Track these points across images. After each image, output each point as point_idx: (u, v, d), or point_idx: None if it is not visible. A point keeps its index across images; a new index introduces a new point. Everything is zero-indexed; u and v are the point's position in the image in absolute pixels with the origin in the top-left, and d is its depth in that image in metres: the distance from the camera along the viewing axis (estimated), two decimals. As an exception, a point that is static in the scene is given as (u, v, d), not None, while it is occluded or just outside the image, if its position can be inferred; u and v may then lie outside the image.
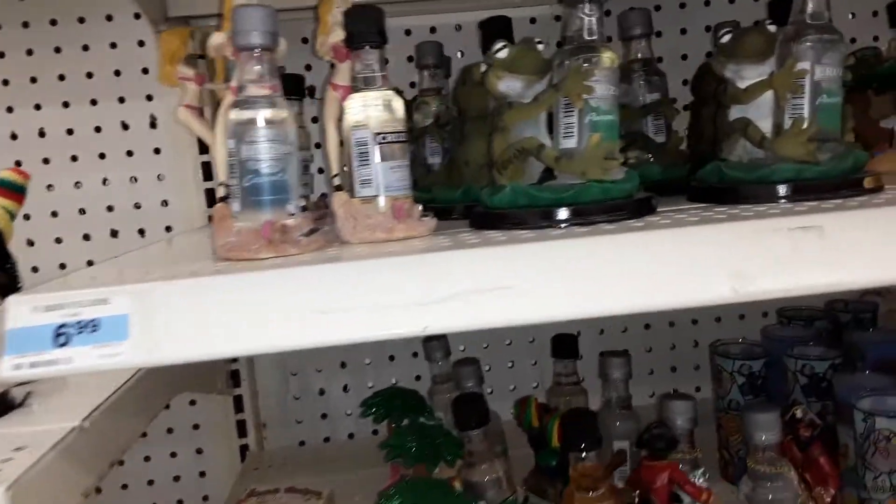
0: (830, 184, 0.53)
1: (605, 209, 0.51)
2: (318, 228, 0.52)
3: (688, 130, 0.84)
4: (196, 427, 1.08)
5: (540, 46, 0.56)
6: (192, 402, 1.07)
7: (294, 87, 0.85)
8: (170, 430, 1.08)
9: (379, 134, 0.52)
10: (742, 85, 0.59)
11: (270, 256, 0.48)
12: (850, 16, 1.07)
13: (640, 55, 0.75)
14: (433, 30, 1.08)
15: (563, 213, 0.51)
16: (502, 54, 0.55)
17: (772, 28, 0.58)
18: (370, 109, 0.53)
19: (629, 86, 0.73)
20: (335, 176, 0.55)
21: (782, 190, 0.53)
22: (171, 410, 1.06)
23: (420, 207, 0.55)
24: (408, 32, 1.07)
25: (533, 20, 1.06)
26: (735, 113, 0.59)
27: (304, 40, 1.02)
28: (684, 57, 1.08)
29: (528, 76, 0.55)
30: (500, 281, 0.44)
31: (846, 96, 0.81)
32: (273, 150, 0.49)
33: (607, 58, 0.53)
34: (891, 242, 0.46)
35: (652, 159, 0.73)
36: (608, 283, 0.44)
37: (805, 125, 0.54)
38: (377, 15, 0.54)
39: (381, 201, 0.53)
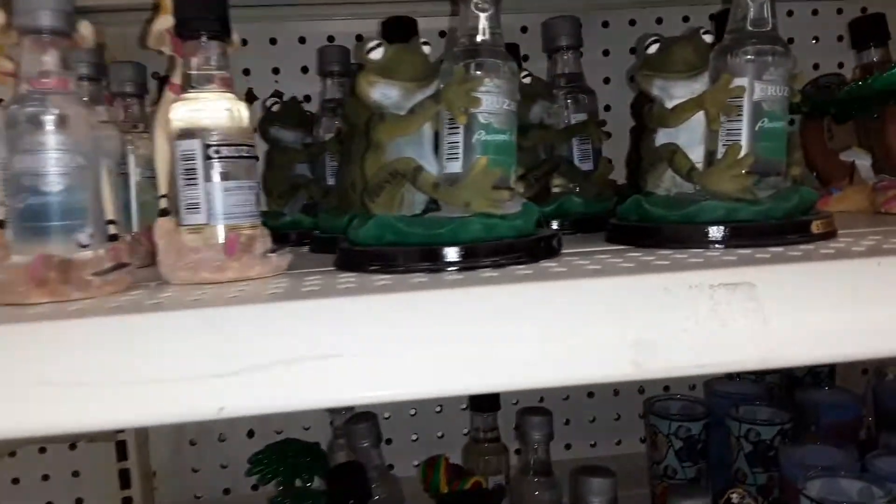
0: (770, 227, 0.43)
1: (488, 251, 0.41)
2: (126, 264, 0.41)
3: (627, 157, 0.75)
4: (76, 475, 0.95)
5: (426, 48, 0.46)
6: (73, 446, 0.94)
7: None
8: (45, 478, 0.95)
9: (211, 146, 0.42)
10: (670, 104, 0.49)
11: (43, 301, 0.36)
12: (813, 40, 0.99)
13: (566, 69, 0.65)
14: (359, 37, 0.97)
15: (435, 255, 0.40)
16: (376, 55, 0.44)
17: (707, 38, 0.48)
18: (202, 115, 0.42)
19: (551, 104, 0.63)
20: (162, 197, 0.44)
21: (712, 233, 0.43)
22: (48, 455, 0.94)
23: (267, 240, 0.44)
24: (331, 39, 0.97)
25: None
26: (662, 137, 0.49)
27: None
28: (632, 78, 0.99)
29: (407, 83, 0.44)
30: (326, 347, 0.33)
31: (803, 126, 0.73)
32: (58, 162, 0.38)
33: (502, 64, 0.43)
34: (840, 307, 0.36)
35: (578, 189, 0.63)
36: (471, 352, 0.34)
37: (741, 154, 0.44)
38: (217, -1, 0.43)
39: (211, 232, 0.42)
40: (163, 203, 0.44)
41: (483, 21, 0.44)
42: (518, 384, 0.34)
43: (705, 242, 0.43)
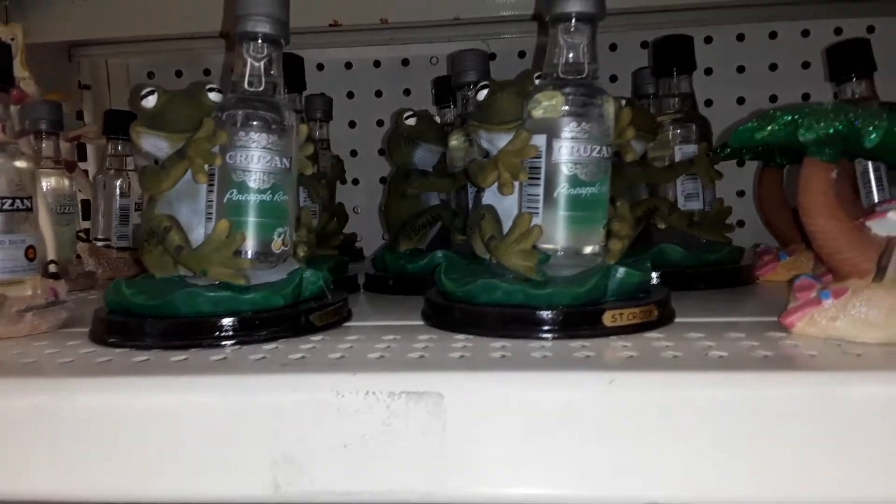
0: (546, 317, 0.36)
1: (200, 328, 0.36)
2: None
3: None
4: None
5: (213, 95, 0.42)
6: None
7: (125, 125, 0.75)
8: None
9: (-37, 200, 0.41)
10: (495, 160, 0.42)
11: None
12: (769, 68, 0.84)
13: (471, 107, 0.59)
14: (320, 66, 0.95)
15: (144, 330, 0.37)
16: (148, 103, 0.42)
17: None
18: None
19: (441, 148, 0.57)
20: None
21: (485, 320, 0.37)
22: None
23: (40, 296, 0.42)
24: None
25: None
26: (488, 196, 0.43)
27: (178, 73, 0.94)
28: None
29: (175, 135, 0.41)
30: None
31: (759, 176, 0.62)
32: None
33: (272, 117, 0.39)
34: (543, 439, 0.29)
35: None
36: (89, 455, 0.30)
37: (530, 226, 0.37)
38: (-5, 49, 0.42)
39: (-43, 288, 0.41)
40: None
41: (256, 68, 0.40)
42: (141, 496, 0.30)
43: (472, 327, 0.37)
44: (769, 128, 0.35)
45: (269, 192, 0.39)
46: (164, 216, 0.40)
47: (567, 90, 0.37)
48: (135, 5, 0.84)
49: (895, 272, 0.34)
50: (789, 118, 0.35)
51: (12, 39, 0.48)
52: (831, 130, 0.33)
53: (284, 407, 0.30)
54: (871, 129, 0.32)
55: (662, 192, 0.56)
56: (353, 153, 0.95)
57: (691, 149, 0.55)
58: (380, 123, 0.94)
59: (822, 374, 0.29)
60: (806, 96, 0.84)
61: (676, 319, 0.40)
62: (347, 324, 0.42)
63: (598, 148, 0.38)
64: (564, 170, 0.37)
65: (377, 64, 0.94)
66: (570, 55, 0.38)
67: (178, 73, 0.96)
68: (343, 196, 0.90)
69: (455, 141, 0.58)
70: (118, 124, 0.74)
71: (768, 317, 0.40)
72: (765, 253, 0.57)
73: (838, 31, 0.84)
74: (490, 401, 0.29)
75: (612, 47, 0.90)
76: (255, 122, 0.39)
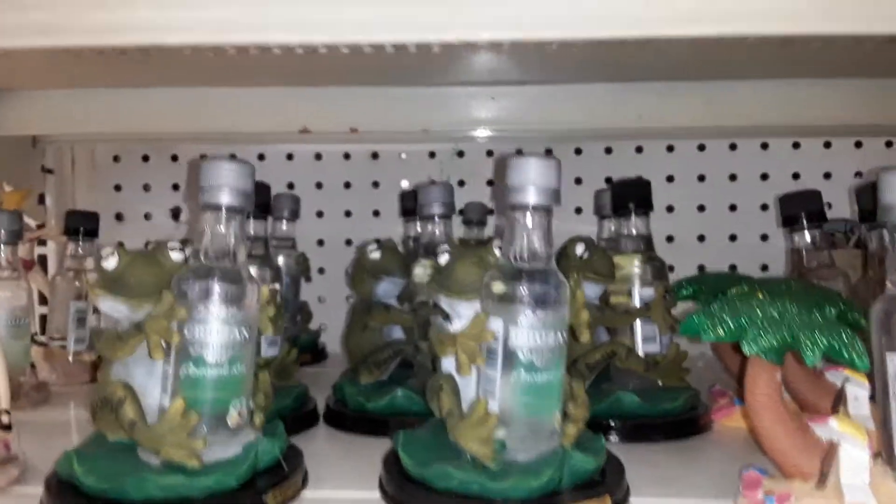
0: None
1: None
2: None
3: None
4: None
5: (174, 255, 0.42)
6: None
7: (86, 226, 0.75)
8: None
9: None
10: (457, 326, 0.42)
11: None
12: (729, 178, 0.88)
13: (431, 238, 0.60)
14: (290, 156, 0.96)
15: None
16: (108, 265, 0.41)
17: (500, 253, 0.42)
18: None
19: (403, 280, 0.58)
20: None
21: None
22: None
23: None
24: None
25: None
26: (448, 365, 0.43)
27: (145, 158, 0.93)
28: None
29: (133, 300, 0.41)
30: None
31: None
32: None
33: (230, 289, 0.39)
34: None
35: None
36: None
37: (485, 411, 0.38)
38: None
39: None
40: None
41: (216, 239, 0.40)
42: None
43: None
44: (717, 329, 0.36)
45: (226, 365, 0.39)
46: (119, 384, 0.40)
47: (524, 280, 0.38)
48: (101, 100, 0.84)
49: (836, 479, 0.35)
50: (736, 324, 0.36)
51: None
52: (775, 343, 0.34)
53: None
54: (809, 346, 0.33)
55: (622, 330, 0.57)
56: (320, 243, 0.95)
57: (648, 292, 0.56)
58: (348, 214, 0.95)
59: None
60: (764, 207, 0.87)
61: (632, 499, 0.40)
62: (304, 493, 0.41)
63: (554, 334, 0.38)
64: (521, 356, 0.38)
65: (347, 156, 0.95)
66: (528, 243, 0.39)
67: (146, 158, 0.95)
68: (308, 287, 0.91)
69: (419, 270, 0.58)
70: (79, 225, 0.73)
71: (721, 499, 0.40)
72: (719, 395, 0.58)
73: (796, 145, 0.88)
74: None
75: (577, 151, 0.92)
76: (214, 295, 0.39)
